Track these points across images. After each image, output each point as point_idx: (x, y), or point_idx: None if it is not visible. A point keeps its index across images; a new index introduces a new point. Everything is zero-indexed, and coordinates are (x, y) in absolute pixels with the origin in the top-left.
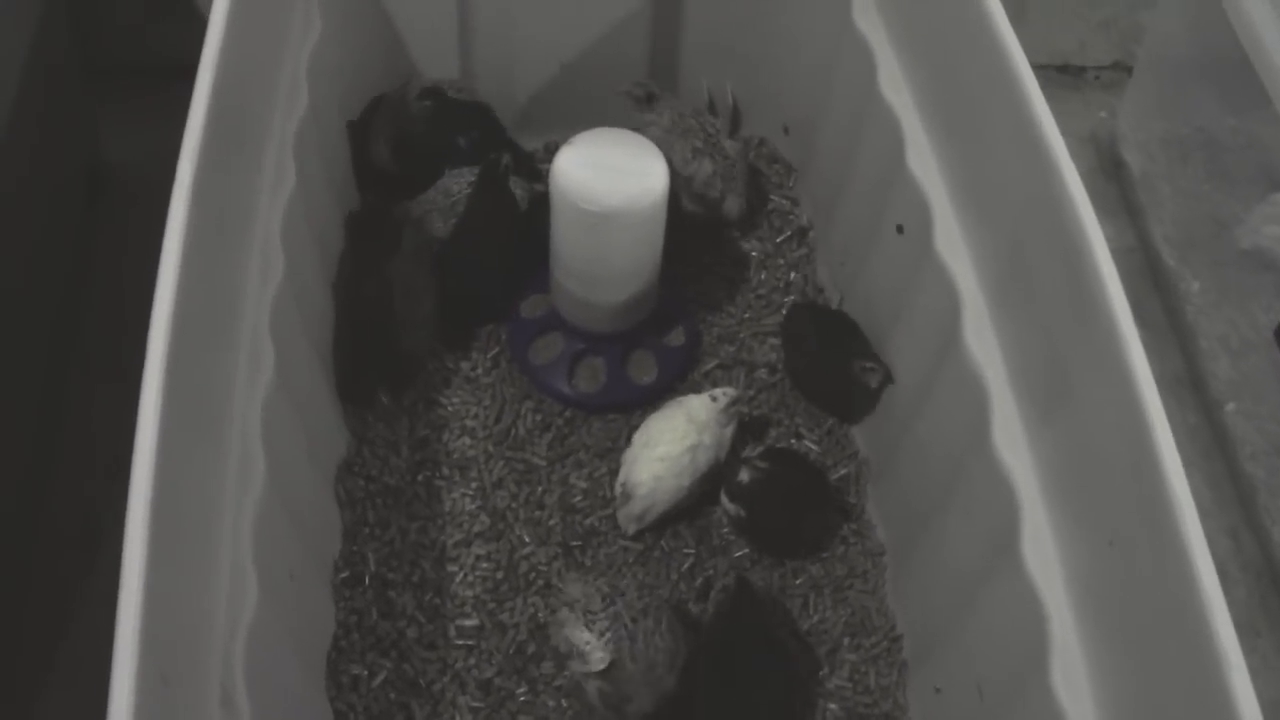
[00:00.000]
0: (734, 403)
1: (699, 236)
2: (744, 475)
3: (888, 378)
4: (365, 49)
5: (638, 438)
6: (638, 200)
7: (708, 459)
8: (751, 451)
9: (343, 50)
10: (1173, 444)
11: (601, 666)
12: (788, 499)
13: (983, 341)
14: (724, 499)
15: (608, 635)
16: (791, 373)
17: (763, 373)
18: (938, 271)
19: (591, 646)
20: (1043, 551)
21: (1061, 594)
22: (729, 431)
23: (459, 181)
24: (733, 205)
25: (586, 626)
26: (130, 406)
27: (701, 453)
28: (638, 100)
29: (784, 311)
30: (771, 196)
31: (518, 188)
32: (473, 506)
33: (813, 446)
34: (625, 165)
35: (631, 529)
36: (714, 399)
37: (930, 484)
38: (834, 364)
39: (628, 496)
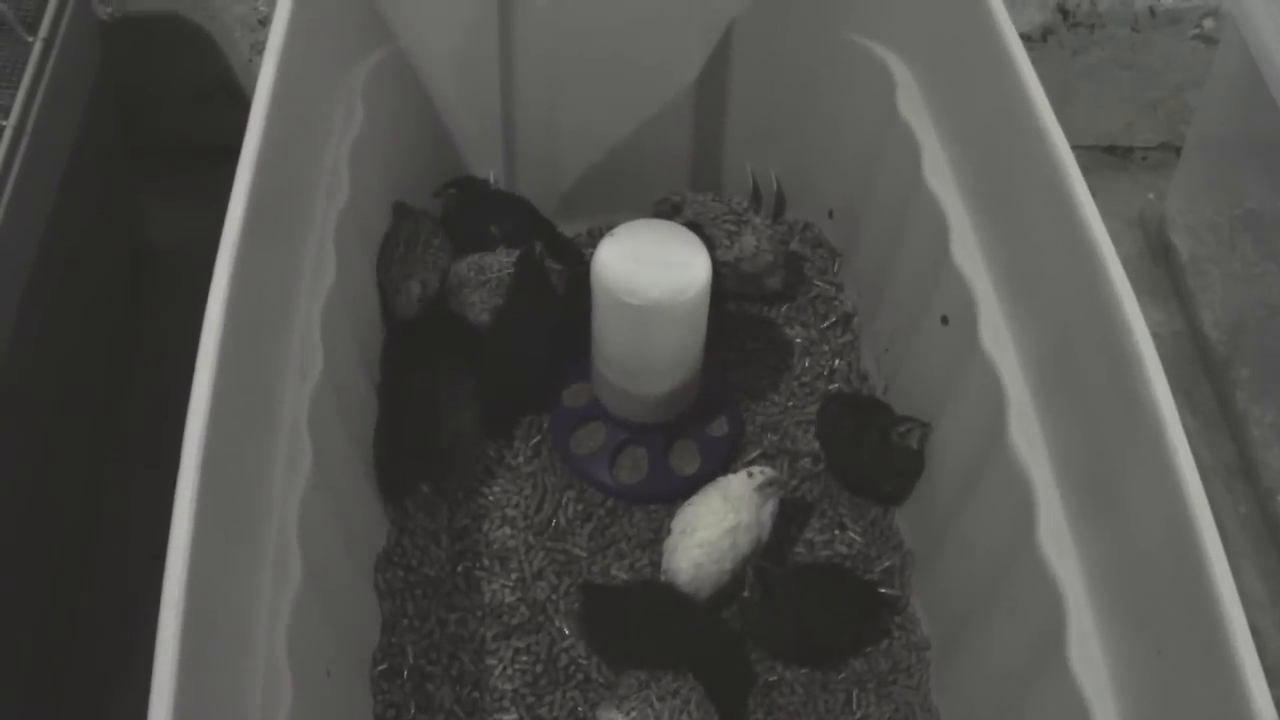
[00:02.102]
0: (770, 482)
1: (743, 324)
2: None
3: (926, 429)
4: (408, 139)
5: (675, 525)
6: (680, 293)
7: (749, 540)
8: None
9: (385, 141)
10: (1222, 553)
11: None
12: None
13: (1028, 437)
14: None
15: (634, 714)
16: (832, 465)
17: (806, 462)
18: (983, 365)
19: (614, 717)
20: (1090, 656)
21: (1110, 702)
22: (768, 510)
23: (496, 260)
24: (776, 279)
25: (617, 706)
26: (170, 491)
27: (742, 534)
28: (668, 215)
29: None
30: (816, 282)
31: (555, 274)
32: (512, 598)
33: (857, 538)
34: (667, 257)
35: None
36: (750, 475)
37: (975, 580)
38: (873, 439)
39: (670, 586)
